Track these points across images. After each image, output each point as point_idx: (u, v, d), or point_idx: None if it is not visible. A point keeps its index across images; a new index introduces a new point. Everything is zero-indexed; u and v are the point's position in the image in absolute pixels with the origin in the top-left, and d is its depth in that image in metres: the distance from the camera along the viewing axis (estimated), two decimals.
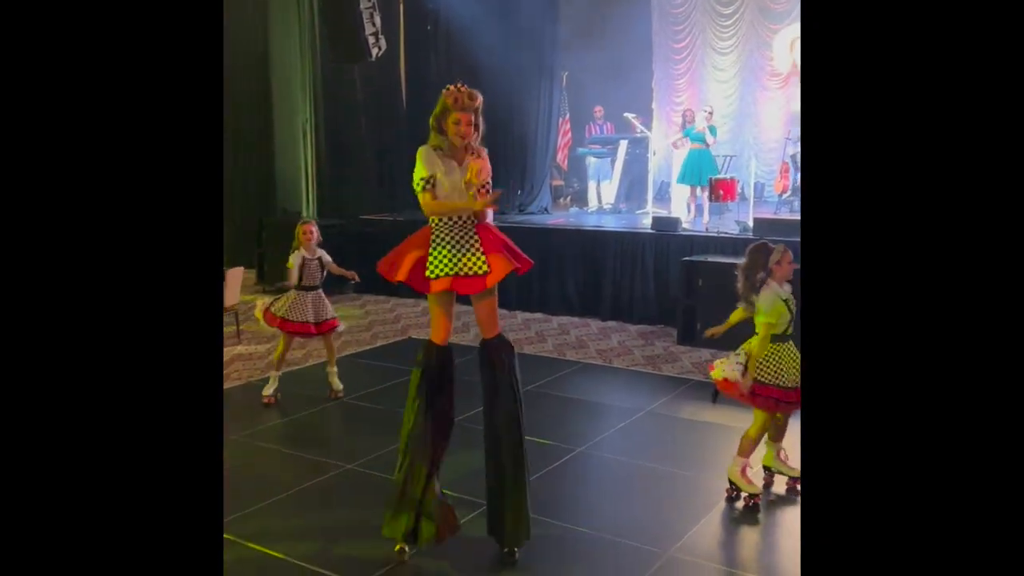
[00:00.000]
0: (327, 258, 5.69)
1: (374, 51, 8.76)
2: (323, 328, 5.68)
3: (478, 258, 3.26)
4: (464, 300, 3.56)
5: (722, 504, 4.04)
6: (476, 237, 3.31)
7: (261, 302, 5.87)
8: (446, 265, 3.25)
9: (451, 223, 3.32)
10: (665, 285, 7.97)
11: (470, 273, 3.26)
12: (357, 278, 5.78)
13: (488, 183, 3.32)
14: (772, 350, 3.92)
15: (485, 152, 3.35)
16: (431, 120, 3.31)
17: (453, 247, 3.28)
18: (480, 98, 3.24)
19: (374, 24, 8.72)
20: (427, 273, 3.27)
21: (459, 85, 3.24)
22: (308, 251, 5.60)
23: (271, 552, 3.59)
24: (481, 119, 3.30)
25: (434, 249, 3.29)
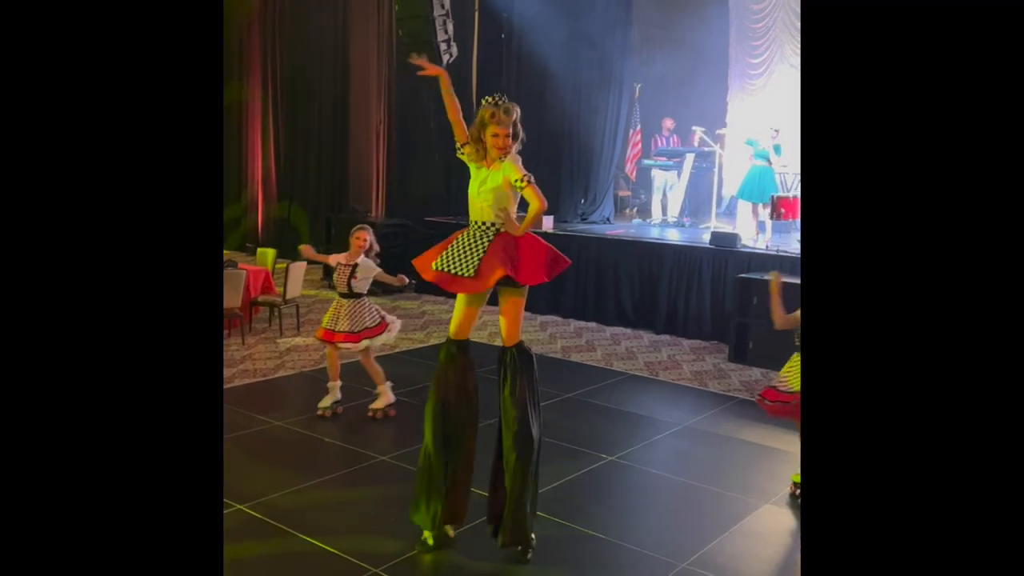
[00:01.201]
0: (369, 269, 5.31)
1: (445, 57, 8.94)
2: (333, 338, 5.29)
3: (470, 262, 3.35)
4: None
5: (744, 521, 4.01)
6: (486, 243, 3.39)
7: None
8: (444, 261, 3.41)
9: (476, 226, 3.45)
10: (721, 301, 7.88)
11: (457, 273, 3.37)
12: (405, 282, 5.37)
13: (528, 176, 3.31)
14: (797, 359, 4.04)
15: (517, 158, 3.40)
16: (471, 131, 3.42)
17: (462, 247, 3.40)
18: (517, 111, 3.33)
19: (447, 31, 8.91)
20: (432, 263, 3.44)
21: (497, 98, 3.33)
22: (347, 257, 5.33)
23: (295, 533, 3.76)
24: (520, 128, 3.38)
25: (451, 246, 3.45)
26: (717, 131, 10.40)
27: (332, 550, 3.59)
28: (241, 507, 3.96)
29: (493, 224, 3.42)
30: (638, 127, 11.75)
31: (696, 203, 11.02)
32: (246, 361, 6.84)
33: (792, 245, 8.21)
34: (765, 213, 8.78)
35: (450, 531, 3.65)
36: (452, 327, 3.57)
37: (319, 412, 5.40)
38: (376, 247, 5.41)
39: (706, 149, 10.28)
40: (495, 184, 3.37)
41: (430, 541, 3.57)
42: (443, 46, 8.97)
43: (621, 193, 11.89)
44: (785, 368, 4.25)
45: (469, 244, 3.40)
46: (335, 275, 5.40)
